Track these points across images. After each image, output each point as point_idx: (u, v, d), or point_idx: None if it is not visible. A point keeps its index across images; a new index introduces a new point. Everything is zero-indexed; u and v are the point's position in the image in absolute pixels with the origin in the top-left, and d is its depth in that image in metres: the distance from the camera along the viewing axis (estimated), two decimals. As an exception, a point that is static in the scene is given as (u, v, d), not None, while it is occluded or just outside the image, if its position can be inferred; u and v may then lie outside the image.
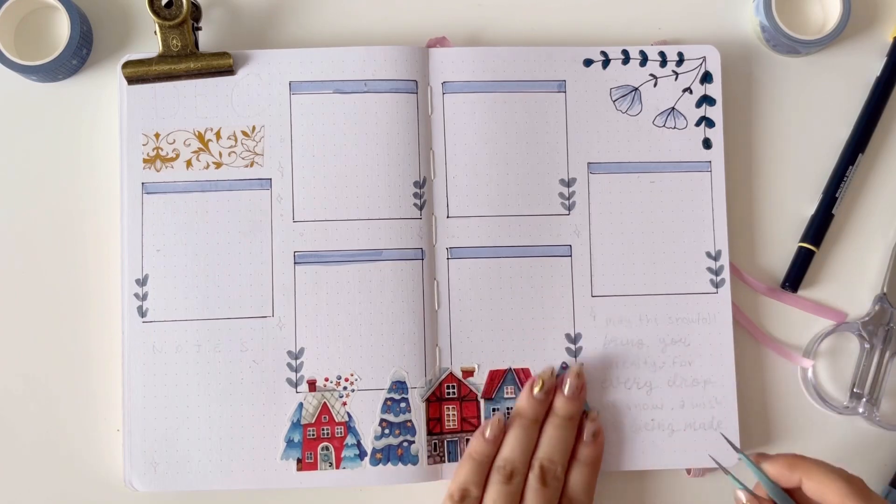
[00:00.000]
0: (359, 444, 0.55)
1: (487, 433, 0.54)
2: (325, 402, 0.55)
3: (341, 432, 0.55)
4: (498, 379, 0.56)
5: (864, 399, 0.58)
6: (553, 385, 0.55)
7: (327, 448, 0.55)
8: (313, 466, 0.55)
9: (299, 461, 0.55)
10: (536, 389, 0.54)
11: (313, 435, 0.55)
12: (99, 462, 0.56)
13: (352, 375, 0.55)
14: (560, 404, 0.54)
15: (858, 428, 0.59)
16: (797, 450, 0.57)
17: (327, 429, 0.55)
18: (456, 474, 0.54)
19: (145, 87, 0.57)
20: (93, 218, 0.58)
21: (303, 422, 0.55)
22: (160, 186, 0.56)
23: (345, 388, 0.55)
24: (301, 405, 0.55)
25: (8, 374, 0.57)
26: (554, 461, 0.53)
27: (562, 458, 0.54)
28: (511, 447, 0.53)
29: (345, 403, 0.55)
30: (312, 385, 0.55)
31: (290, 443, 0.55)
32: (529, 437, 0.54)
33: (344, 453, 0.55)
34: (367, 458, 0.55)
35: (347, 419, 0.55)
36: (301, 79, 0.57)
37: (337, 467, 0.55)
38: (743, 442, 0.57)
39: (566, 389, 0.54)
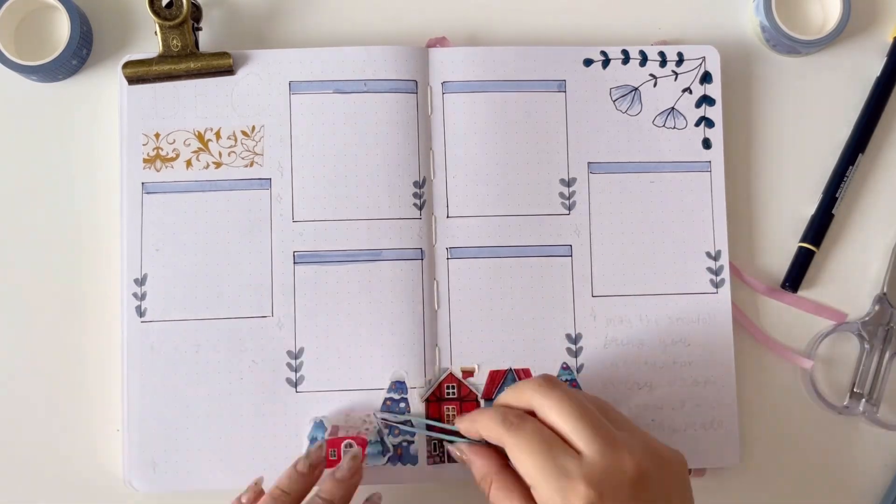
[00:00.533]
0: (382, 441, 0.55)
1: (300, 466, 0.51)
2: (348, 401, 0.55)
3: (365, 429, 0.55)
4: (498, 379, 0.56)
5: (864, 399, 0.58)
6: (320, 459, 0.52)
7: (350, 445, 0.55)
8: (336, 464, 0.55)
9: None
10: (300, 465, 0.51)
11: (336, 433, 0.55)
12: (99, 462, 0.56)
13: (373, 372, 0.56)
14: (326, 486, 0.50)
15: (858, 428, 0.59)
16: (796, 453, 0.58)
17: (350, 426, 0.55)
18: (279, 479, 0.51)
19: (145, 87, 0.57)
20: (92, 217, 0.58)
21: (325, 420, 0.55)
22: (160, 186, 0.56)
23: (366, 385, 0.55)
24: (324, 403, 0.55)
25: (8, 374, 0.57)
26: None
27: None
28: None
29: (367, 401, 0.55)
30: (335, 382, 0.55)
31: (313, 441, 0.55)
32: None
33: (368, 450, 0.55)
34: (389, 455, 0.55)
35: (370, 416, 0.55)
36: (301, 79, 0.57)
37: (361, 464, 0.55)
38: (743, 441, 0.57)
39: (338, 472, 0.51)
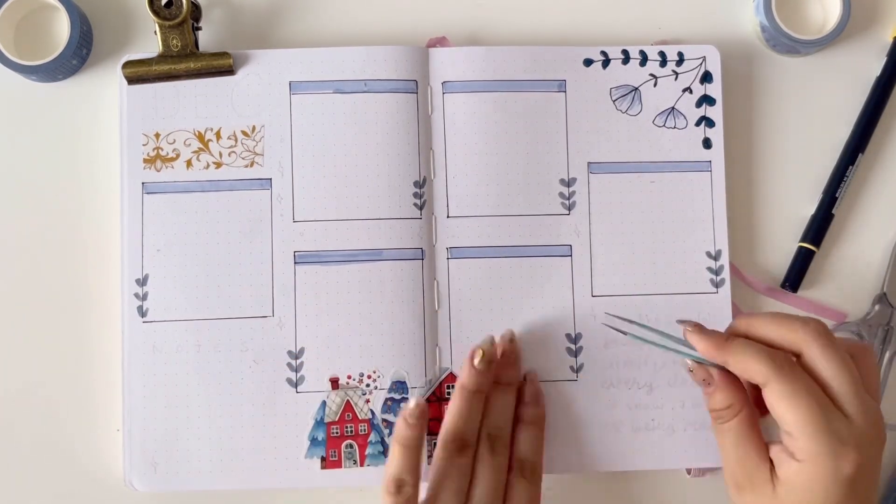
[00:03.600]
0: (382, 441, 0.55)
1: (409, 418, 0.50)
2: (348, 400, 0.55)
3: (365, 430, 0.55)
4: None
5: None
6: (493, 354, 0.53)
7: (351, 446, 0.55)
8: (337, 464, 0.55)
9: (323, 459, 0.55)
10: (477, 360, 0.52)
11: (337, 433, 0.55)
12: (99, 462, 0.56)
13: (374, 373, 0.55)
14: (499, 372, 0.53)
15: None
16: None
17: (351, 426, 0.55)
18: (387, 465, 0.51)
19: (145, 87, 0.57)
20: (93, 218, 0.58)
21: (326, 420, 0.55)
22: (160, 186, 0.56)
23: (368, 386, 0.55)
24: (324, 403, 0.55)
25: (8, 374, 0.57)
26: (500, 427, 0.52)
27: (506, 424, 0.53)
28: (455, 419, 0.51)
29: (368, 401, 0.55)
30: (335, 383, 0.55)
31: (314, 441, 0.55)
32: (473, 408, 0.52)
33: (368, 451, 0.55)
34: None
35: (371, 416, 0.55)
36: (301, 79, 0.57)
37: (361, 465, 0.55)
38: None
39: (500, 357, 0.54)
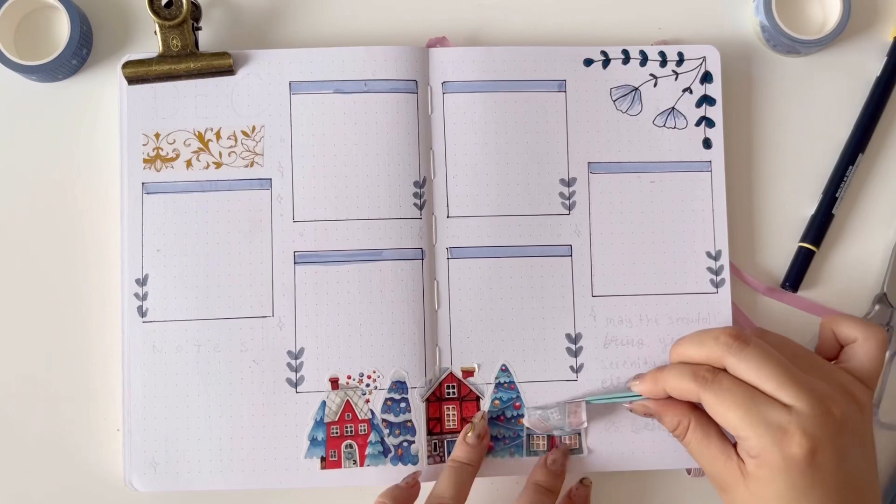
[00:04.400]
0: (382, 442, 0.55)
1: (469, 438, 0.54)
2: (348, 400, 0.55)
3: (365, 430, 0.55)
4: None
5: None
6: (485, 429, 0.55)
7: (351, 446, 0.55)
8: (337, 465, 0.55)
9: (323, 459, 0.55)
10: (470, 435, 0.54)
11: (336, 433, 0.55)
12: (99, 462, 0.56)
13: (374, 373, 0.55)
14: (459, 450, 0.54)
15: None
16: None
17: (351, 426, 0.55)
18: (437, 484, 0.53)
19: (145, 87, 0.57)
20: (93, 218, 0.58)
21: (326, 420, 0.55)
22: (160, 186, 0.56)
23: (367, 386, 0.55)
24: (324, 403, 0.55)
25: (8, 374, 0.57)
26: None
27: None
28: (441, 489, 0.52)
29: (368, 401, 0.55)
30: (335, 383, 0.55)
31: (313, 441, 0.55)
32: (463, 480, 0.53)
33: (368, 451, 0.55)
34: (390, 455, 0.55)
35: (371, 417, 0.55)
36: (301, 79, 0.57)
37: (361, 465, 0.55)
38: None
39: (468, 437, 0.54)
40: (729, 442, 0.50)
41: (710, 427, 0.51)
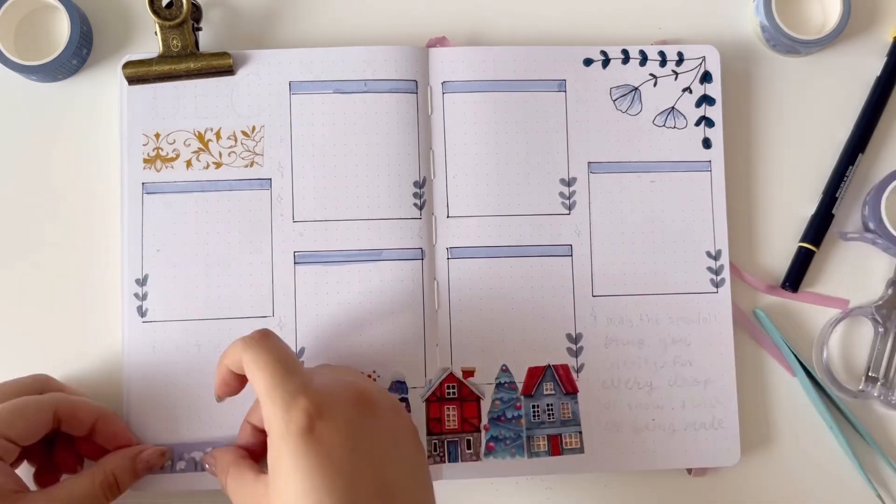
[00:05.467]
0: None
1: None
2: None
3: None
4: (537, 376, 0.56)
5: (880, 382, 0.58)
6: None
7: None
8: None
9: None
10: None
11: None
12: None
13: (374, 373, 0.55)
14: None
15: (874, 412, 0.59)
16: (793, 454, 0.58)
17: None
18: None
19: (145, 87, 0.57)
20: (93, 218, 0.58)
21: None
22: (160, 186, 0.56)
23: None
24: None
25: (8, 374, 0.57)
26: None
27: None
28: None
29: None
30: None
31: None
32: None
33: None
34: None
35: None
36: (301, 79, 0.57)
37: None
38: (743, 441, 0.57)
39: (139, 462, 0.53)
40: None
41: (251, 469, 0.49)
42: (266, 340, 0.47)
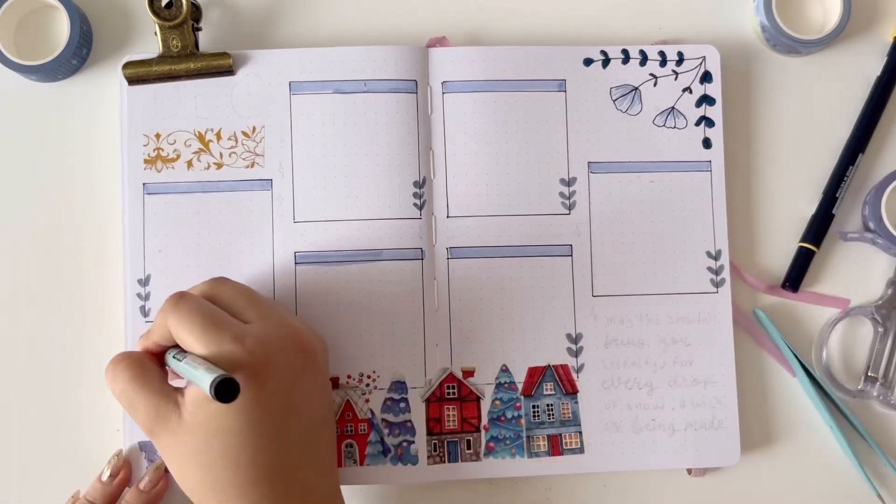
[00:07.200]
0: (382, 441, 0.55)
1: (104, 476, 0.54)
2: (348, 400, 0.55)
3: (364, 429, 0.55)
4: (537, 376, 0.56)
5: (879, 382, 0.58)
6: (120, 468, 0.55)
7: (351, 445, 0.55)
8: (337, 464, 0.55)
9: None
10: (105, 475, 0.54)
11: (337, 432, 0.55)
12: (99, 462, 0.56)
13: (374, 373, 0.55)
14: (129, 496, 0.54)
15: (873, 411, 0.59)
16: (794, 454, 0.58)
17: (351, 426, 0.55)
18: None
19: (146, 87, 0.57)
20: (94, 218, 0.58)
21: None
22: (161, 187, 0.56)
23: (367, 386, 0.55)
24: None
25: (9, 374, 0.57)
26: None
27: None
28: None
29: (367, 400, 0.55)
30: (335, 382, 0.55)
31: None
32: None
33: (368, 450, 0.55)
34: (390, 455, 0.55)
35: (370, 416, 0.55)
36: (301, 79, 0.57)
37: (361, 464, 0.55)
38: (743, 441, 0.57)
39: (142, 484, 0.54)
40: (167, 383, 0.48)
41: (148, 364, 0.49)
42: (184, 301, 0.47)
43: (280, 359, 0.47)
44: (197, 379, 0.44)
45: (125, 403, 0.48)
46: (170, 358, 0.49)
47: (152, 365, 0.49)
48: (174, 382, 0.49)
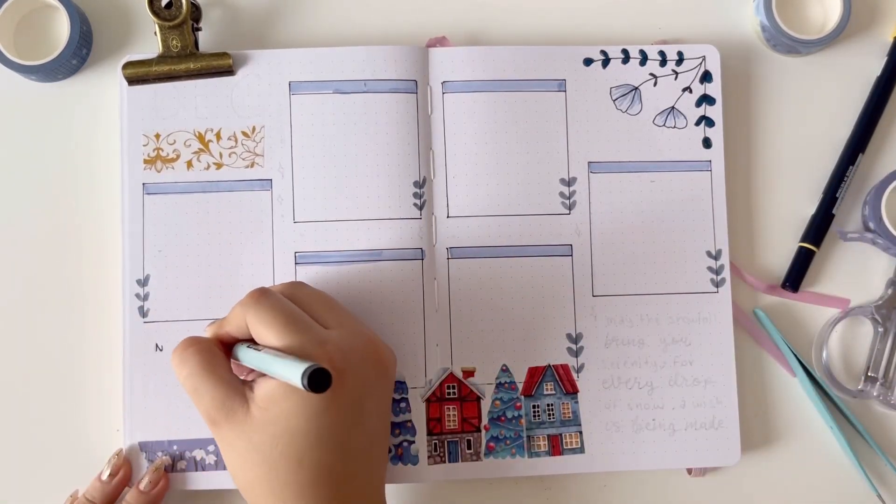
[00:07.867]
0: None
1: (104, 475, 0.54)
2: None
3: None
4: (537, 376, 0.56)
5: (879, 382, 0.58)
6: (120, 467, 0.54)
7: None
8: None
9: None
10: (105, 474, 0.54)
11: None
12: (99, 462, 0.56)
13: None
14: (129, 496, 0.54)
15: (873, 411, 0.59)
16: (794, 454, 0.58)
17: None
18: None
19: (145, 87, 0.57)
20: (93, 218, 0.58)
21: None
22: (161, 187, 0.56)
23: None
24: None
25: (8, 374, 0.57)
26: None
27: None
28: None
29: None
30: None
31: None
32: None
33: None
34: (390, 455, 0.55)
35: None
36: (301, 79, 0.57)
37: None
38: (743, 441, 0.57)
39: (142, 484, 0.54)
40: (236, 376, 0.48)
41: (218, 354, 0.48)
42: (267, 297, 0.47)
43: (357, 368, 0.47)
44: (282, 368, 0.43)
45: (189, 389, 0.47)
46: (242, 349, 0.48)
47: (221, 354, 0.49)
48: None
